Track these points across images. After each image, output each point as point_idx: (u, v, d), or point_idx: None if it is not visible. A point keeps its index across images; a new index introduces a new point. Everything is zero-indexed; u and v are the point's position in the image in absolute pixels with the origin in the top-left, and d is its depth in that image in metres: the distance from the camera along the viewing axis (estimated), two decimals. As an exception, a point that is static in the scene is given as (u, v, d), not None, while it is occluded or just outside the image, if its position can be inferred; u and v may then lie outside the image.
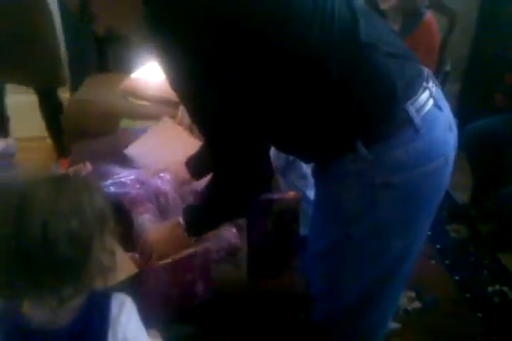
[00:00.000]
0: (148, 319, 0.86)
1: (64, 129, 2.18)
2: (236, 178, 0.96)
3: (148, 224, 1.24)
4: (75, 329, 0.79)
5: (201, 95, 0.84)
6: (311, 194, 1.38)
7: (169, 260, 1.08)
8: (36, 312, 0.78)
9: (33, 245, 0.71)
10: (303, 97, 0.88)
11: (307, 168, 1.41)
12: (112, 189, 1.27)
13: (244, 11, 0.81)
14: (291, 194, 1.31)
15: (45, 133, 2.47)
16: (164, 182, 1.34)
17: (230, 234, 1.33)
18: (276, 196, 1.28)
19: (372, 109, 0.89)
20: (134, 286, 0.90)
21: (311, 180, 1.38)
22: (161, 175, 1.35)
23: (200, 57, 0.81)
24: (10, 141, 1.49)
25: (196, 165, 1.29)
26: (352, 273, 1.01)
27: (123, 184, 1.30)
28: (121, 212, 1.25)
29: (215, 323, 1.22)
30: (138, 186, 1.30)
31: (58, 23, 2.56)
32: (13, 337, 0.80)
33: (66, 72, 2.30)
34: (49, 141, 2.48)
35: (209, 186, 1.05)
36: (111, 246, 0.80)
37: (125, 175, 1.31)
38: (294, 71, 0.85)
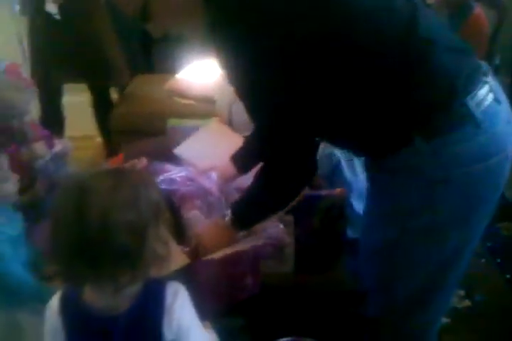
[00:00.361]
0: (198, 310, 0.89)
1: (113, 128, 2.26)
2: (284, 171, 0.98)
3: (196, 219, 1.28)
4: (132, 316, 0.82)
5: (263, 89, 0.86)
6: (354, 201, 1.38)
7: (220, 255, 1.11)
8: (96, 298, 0.83)
9: (93, 234, 0.74)
10: (363, 91, 0.89)
11: (352, 177, 1.41)
12: (163, 185, 1.32)
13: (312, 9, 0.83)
14: (338, 190, 1.32)
15: (95, 132, 2.56)
16: (211, 182, 1.38)
17: (277, 230, 1.35)
18: (323, 193, 1.30)
19: (432, 103, 0.89)
20: (185, 277, 0.92)
21: (355, 187, 1.39)
22: (209, 174, 1.38)
23: (264, 54, 0.83)
24: (66, 141, 1.57)
25: (242, 160, 1.32)
26: (407, 269, 1.01)
27: (173, 181, 1.35)
28: (172, 207, 1.29)
29: (263, 316, 1.25)
30: (188, 183, 1.34)
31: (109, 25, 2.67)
32: (75, 322, 0.84)
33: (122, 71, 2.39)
34: (98, 140, 2.58)
35: (256, 178, 1.07)
36: (165, 237, 0.83)
37: (176, 173, 1.35)
38: (356, 65, 0.86)
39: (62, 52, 2.08)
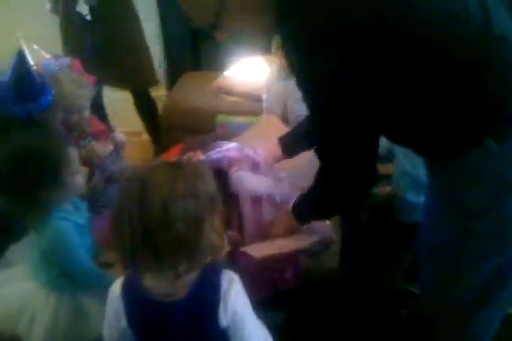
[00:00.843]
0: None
1: (161, 125, 2.33)
2: (345, 176, 0.98)
3: (241, 178, 1.30)
4: (189, 302, 0.86)
5: (332, 90, 0.86)
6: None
7: (262, 254, 1.12)
8: (156, 285, 0.86)
9: (154, 223, 0.78)
10: (435, 92, 0.88)
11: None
12: (214, 155, 1.34)
13: (383, 10, 0.82)
14: (387, 189, 1.32)
15: (141, 128, 2.63)
16: (258, 155, 1.39)
17: (324, 227, 1.37)
18: (373, 190, 1.30)
19: (504, 104, 0.88)
20: (227, 265, 0.94)
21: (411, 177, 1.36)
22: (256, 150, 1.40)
23: (339, 58, 0.83)
24: (122, 135, 1.63)
25: (290, 144, 1.32)
26: (468, 267, 0.99)
27: (223, 151, 1.38)
28: (220, 172, 1.30)
29: (306, 311, 1.26)
30: (235, 152, 1.36)
31: (156, 24, 2.74)
32: (136, 306, 0.89)
33: (157, 74, 2.41)
34: (145, 136, 2.65)
35: (317, 183, 1.07)
36: (219, 227, 0.86)
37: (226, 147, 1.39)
38: (432, 64, 0.85)
39: (92, 53, 2.08)
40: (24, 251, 1.23)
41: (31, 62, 1.40)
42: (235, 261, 1.15)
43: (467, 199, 0.93)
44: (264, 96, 1.94)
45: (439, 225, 1.00)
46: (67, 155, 1.13)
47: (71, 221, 1.15)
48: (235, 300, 0.87)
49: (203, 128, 2.10)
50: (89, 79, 1.48)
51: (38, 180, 1.07)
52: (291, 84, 1.43)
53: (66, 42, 2.19)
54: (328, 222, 1.37)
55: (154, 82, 2.37)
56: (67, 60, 1.47)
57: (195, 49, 2.85)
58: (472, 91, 0.88)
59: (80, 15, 2.06)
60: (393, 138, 1.03)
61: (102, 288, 1.17)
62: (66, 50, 2.16)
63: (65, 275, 1.16)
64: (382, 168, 1.46)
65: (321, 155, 1.01)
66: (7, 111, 1.22)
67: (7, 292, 1.18)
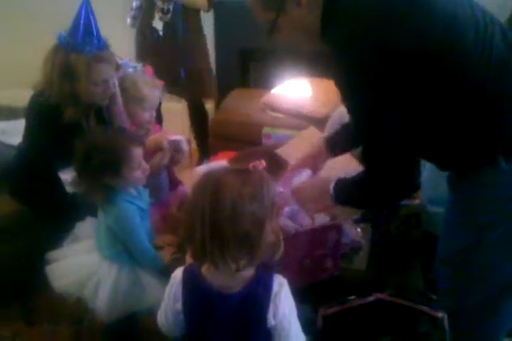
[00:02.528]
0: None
1: (210, 134, 2.51)
2: (384, 182, 1.07)
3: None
4: (243, 297, 0.94)
5: (367, 106, 1.01)
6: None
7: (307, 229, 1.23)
8: (215, 276, 0.95)
9: (223, 220, 0.87)
10: (455, 113, 1.00)
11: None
12: None
13: (414, 39, 0.95)
14: (417, 201, 1.43)
15: (189, 137, 2.80)
16: None
17: (355, 233, 1.49)
18: (402, 202, 1.42)
19: None
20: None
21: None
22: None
23: (370, 77, 0.97)
24: (183, 137, 1.74)
25: (335, 145, 1.40)
26: (479, 276, 1.07)
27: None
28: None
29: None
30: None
31: (211, 43, 2.97)
32: (194, 292, 0.98)
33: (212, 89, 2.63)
34: (193, 145, 2.82)
35: (360, 180, 1.14)
36: (277, 228, 0.95)
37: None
38: (451, 90, 0.98)
39: (162, 64, 2.25)
40: (88, 228, 1.40)
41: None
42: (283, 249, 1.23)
43: (478, 213, 1.03)
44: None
45: (454, 236, 1.10)
46: (129, 154, 1.28)
47: (134, 204, 1.31)
48: (285, 302, 0.95)
49: (247, 139, 2.28)
50: (158, 83, 1.68)
51: (100, 169, 1.24)
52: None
53: (139, 53, 2.44)
54: (359, 229, 1.49)
55: (210, 94, 2.57)
56: (140, 65, 1.67)
57: (244, 68, 3.05)
58: (489, 114, 0.99)
59: (155, 30, 2.31)
60: (421, 153, 1.11)
61: (155, 266, 1.33)
62: (138, 60, 2.37)
63: (126, 251, 1.31)
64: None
65: (365, 153, 1.11)
66: (81, 48, 1.44)
67: (75, 262, 1.34)
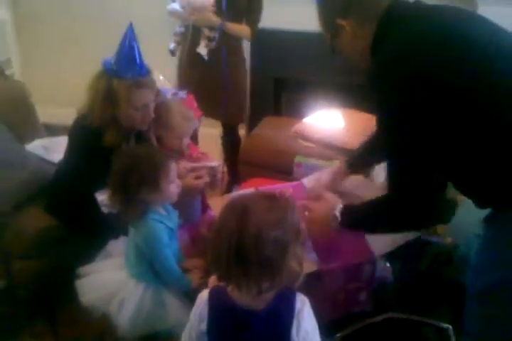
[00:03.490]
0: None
1: (240, 160, 2.54)
2: (410, 204, 1.10)
3: None
4: (268, 314, 0.96)
5: (399, 133, 1.06)
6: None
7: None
8: (239, 296, 0.97)
9: (248, 244, 0.88)
10: (486, 146, 1.02)
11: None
12: None
13: (448, 71, 1.02)
14: (449, 239, 1.42)
15: (221, 161, 2.84)
16: None
17: (384, 268, 1.47)
18: (434, 239, 1.41)
19: None
20: (310, 283, 1.04)
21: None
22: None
23: (405, 106, 1.03)
24: (219, 162, 1.82)
25: (356, 159, 1.46)
26: (505, 317, 1.05)
27: None
28: None
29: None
30: None
31: (247, 69, 3.05)
32: (219, 311, 1.00)
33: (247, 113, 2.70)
34: (224, 169, 2.86)
35: (380, 201, 1.17)
36: (301, 255, 0.95)
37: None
38: (483, 122, 1.01)
39: (203, 89, 2.36)
40: (121, 245, 1.43)
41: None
42: (319, 282, 1.23)
43: (505, 251, 1.03)
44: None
45: (482, 273, 1.09)
46: (167, 167, 1.33)
47: (163, 223, 1.34)
48: (307, 320, 0.97)
49: (277, 167, 2.30)
50: (196, 114, 1.72)
51: (139, 182, 1.28)
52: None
53: (181, 78, 2.52)
54: (388, 264, 1.48)
55: (242, 120, 2.66)
56: (182, 93, 1.72)
57: (277, 96, 3.11)
58: None
59: (199, 56, 2.39)
60: (458, 184, 1.14)
61: (181, 288, 1.35)
62: (180, 83, 2.48)
63: (152, 271, 1.33)
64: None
65: (390, 168, 1.14)
66: (123, 73, 1.50)
67: (103, 278, 1.38)
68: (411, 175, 1.08)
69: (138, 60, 1.53)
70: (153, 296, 1.32)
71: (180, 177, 1.44)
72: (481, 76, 1.01)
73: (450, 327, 1.00)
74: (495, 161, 1.03)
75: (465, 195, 1.16)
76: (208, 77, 2.42)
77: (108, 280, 1.36)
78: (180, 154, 1.75)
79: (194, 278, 1.36)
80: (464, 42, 1.04)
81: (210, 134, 2.71)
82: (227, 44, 2.40)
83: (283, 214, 0.93)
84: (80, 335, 1.68)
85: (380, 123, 1.12)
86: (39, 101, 2.45)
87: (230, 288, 0.99)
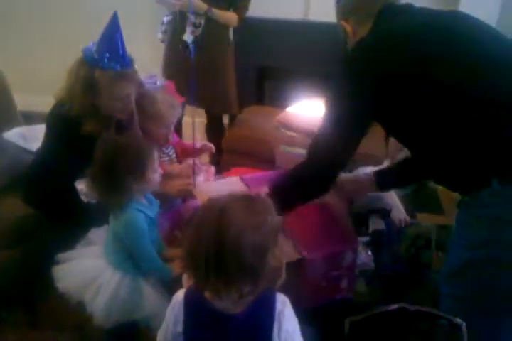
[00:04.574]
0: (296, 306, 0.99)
1: (224, 149, 2.53)
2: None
3: None
4: (248, 316, 0.94)
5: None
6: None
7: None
8: (217, 299, 0.94)
9: (227, 250, 0.86)
10: (460, 137, 1.07)
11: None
12: None
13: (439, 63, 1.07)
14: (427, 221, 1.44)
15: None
16: None
17: (365, 256, 1.49)
18: (413, 221, 1.42)
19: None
20: (292, 271, 1.03)
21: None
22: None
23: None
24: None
25: (385, 179, 1.47)
26: (474, 294, 1.11)
27: None
28: None
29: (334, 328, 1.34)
30: None
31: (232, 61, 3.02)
32: (195, 313, 0.97)
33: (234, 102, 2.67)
34: (207, 158, 2.85)
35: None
36: (279, 256, 0.94)
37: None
38: (449, 106, 1.07)
39: (188, 77, 2.38)
40: (103, 234, 1.41)
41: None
42: (301, 270, 1.24)
43: (472, 233, 1.08)
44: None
45: (455, 253, 1.15)
46: (152, 155, 1.32)
47: (144, 213, 1.32)
48: (289, 320, 0.95)
49: (260, 155, 2.29)
50: (179, 100, 1.70)
51: (126, 171, 1.26)
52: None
53: (167, 66, 2.48)
54: (369, 252, 1.50)
55: (233, 109, 2.61)
56: (161, 81, 1.70)
57: (260, 85, 3.09)
58: (488, 136, 1.05)
59: (184, 43, 2.35)
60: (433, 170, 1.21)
61: (161, 277, 1.34)
62: (165, 73, 2.45)
63: (131, 259, 1.32)
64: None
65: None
66: (106, 65, 1.46)
67: (81, 265, 1.36)
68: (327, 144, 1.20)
69: (121, 51, 1.49)
70: (130, 284, 1.31)
71: (167, 176, 1.43)
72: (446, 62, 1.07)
73: (464, 323, 1.02)
74: (457, 152, 1.09)
75: (437, 183, 1.23)
76: (193, 65, 2.39)
77: (85, 268, 1.35)
78: (166, 142, 1.74)
79: (175, 267, 1.35)
80: (441, 36, 1.10)
81: (196, 123, 2.68)
82: (213, 31, 2.37)
83: (262, 217, 0.90)
84: (60, 323, 1.67)
85: (328, 95, 1.22)
86: (15, 89, 2.39)
87: (207, 291, 0.96)
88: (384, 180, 1.45)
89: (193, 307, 0.97)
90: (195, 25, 2.34)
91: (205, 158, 2.85)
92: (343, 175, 1.48)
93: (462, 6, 2.50)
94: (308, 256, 1.25)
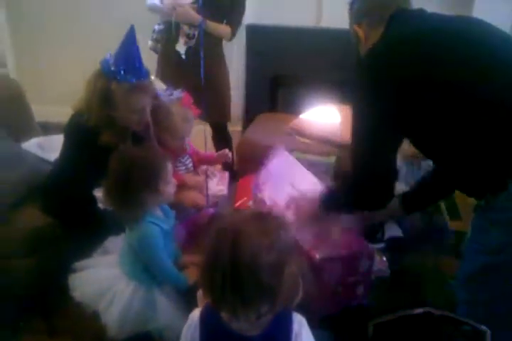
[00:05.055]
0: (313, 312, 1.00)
1: (236, 157, 2.54)
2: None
3: None
4: (264, 338, 0.93)
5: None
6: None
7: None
8: (233, 320, 0.93)
9: (243, 271, 0.85)
10: (475, 141, 1.07)
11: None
12: None
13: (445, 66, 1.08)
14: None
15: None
16: None
17: (380, 262, 1.48)
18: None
19: None
20: (310, 275, 1.04)
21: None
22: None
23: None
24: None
25: (412, 202, 1.46)
26: (492, 298, 1.10)
27: None
28: None
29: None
30: None
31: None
32: (212, 334, 0.96)
33: (231, 111, 2.68)
34: (218, 167, 2.86)
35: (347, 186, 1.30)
36: (296, 273, 0.92)
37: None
38: (474, 113, 1.06)
39: (184, 88, 2.36)
40: (119, 242, 1.41)
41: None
42: (320, 274, 1.23)
43: (490, 237, 1.07)
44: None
45: (471, 259, 1.14)
46: (166, 168, 1.32)
47: (159, 226, 1.32)
48: (306, 340, 0.94)
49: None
50: (194, 112, 1.72)
51: (141, 184, 1.27)
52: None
53: (161, 76, 2.47)
54: (384, 258, 1.49)
55: (228, 118, 2.63)
56: (178, 93, 1.71)
57: (273, 92, 3.10)
58: (503, 139, 1.05)
59: (178, 54, 2.37)
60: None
61: (177, 287, 1.34)
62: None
63: (146, 271, 1.32)
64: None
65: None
66: (122, 78, 1.48)
67: (97, 275, 1.37)
68: (371, 160, 1.18)
69: (138, 64, 1.50)
70: (144, 295, 1.31)
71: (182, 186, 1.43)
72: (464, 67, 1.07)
73: (489, 331, 1.01)
74: (472, 156, 1.08)
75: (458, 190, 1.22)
76: (186, 77, 2.34)
77: (100, 277, 1.35)
78: (183, 152, 1.76)
79: (191, 275, 1.35)
80: (451, 41, 1.10)
81: (200, 130, 2.70)
82: (206, 43, 2.37)
83: (276, 235, 0.89)
84: (77, 332, 1.68)
85: (352, 107, 1.20)
86: (33, 100, 2.44)
87: (223, 312, 0.94)
88: (409, 203, 1.44)
89: (209, 327, 0.96)
90: (188, 36, 2.35)
91: (218, 165, 2.88)
92: None
93: (476, 11, 2.49)
94: (320, 255, 1.24)
